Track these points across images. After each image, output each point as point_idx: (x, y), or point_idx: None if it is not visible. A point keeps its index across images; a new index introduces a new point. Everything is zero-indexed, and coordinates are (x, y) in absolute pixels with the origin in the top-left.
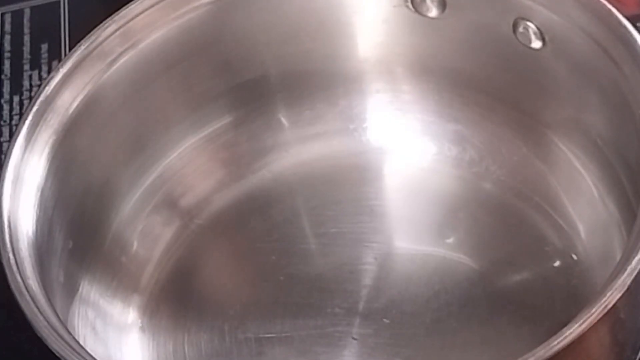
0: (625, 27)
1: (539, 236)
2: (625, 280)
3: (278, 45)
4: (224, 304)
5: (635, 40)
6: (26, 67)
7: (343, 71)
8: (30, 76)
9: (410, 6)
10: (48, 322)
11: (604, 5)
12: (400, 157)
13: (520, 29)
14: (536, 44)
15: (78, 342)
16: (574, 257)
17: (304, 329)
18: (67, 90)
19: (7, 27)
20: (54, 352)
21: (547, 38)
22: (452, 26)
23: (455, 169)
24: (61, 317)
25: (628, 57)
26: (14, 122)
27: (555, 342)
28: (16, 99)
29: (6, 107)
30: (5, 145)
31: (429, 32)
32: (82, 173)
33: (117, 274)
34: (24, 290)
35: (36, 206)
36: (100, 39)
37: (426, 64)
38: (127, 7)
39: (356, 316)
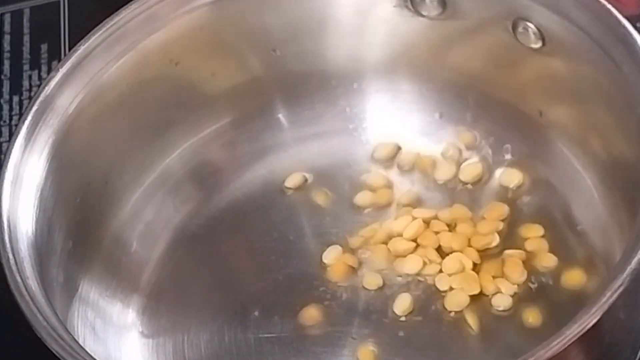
0: (625, 27)
1: None
2: (625, 280)
3: (278, 45)
4: (224, 304)
5: (635, 40)
6: (26, 67)
7: (343, 71)
8: (30, 76)
9: (410, 6)
10: (48, 322)
11: (603, 5)
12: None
13: (520, 29)
14: (536, 44)
15: (77, 342)
16: (574, 256)
17: (304, 329)
18: (66, 90)
19: (7, 27)
20: (54, 352)
21: (547, 38)
22: (452, 26)
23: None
24: (61, 317)
25: (628, 57)
26: (13, 122)
27: (555, 342)
28: (16, 99)
29: (6, 107)
30: (4, 145)
31: (429, 32)
32: (82, 173)
33: (116, 274)
34: (23, 290)
35: (36, 206)
36: (100, 39)
37: (426, 64)
38: (127, 7)
39: (356, 316)
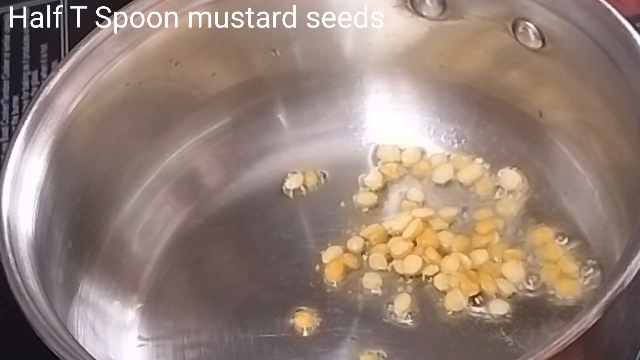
0: (624, 27)
1: None
2: (625, 280)
3: (278, 45)
4: (224, 304)
5: (635, 40)
6: (26, 67)
7: (343, 71)
8: (30, 76)
9: (410, 6)
10: (47, 322)
11: (603, 5)
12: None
13: (520, 29)
14: (536, 44)
15: (77, 342)
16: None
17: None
18: (66, 90)
19: (7, 27)
20: (54, 352)
21: (546, 38)
22: (452, 26)
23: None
24: (60, 317)
25: (628, 57)
26: (13, 122)
27: (555, 342)
28: (16, 99)
29: (6, 107)
30: (4, 145)
31: (428, 32)
32: (82, 173)
33: (116, 274)
34: (23, 290)
35: (35, 206)
36: (100, 39)
37: (426, 64)
38: (127, 7)
39: (355, 316)
